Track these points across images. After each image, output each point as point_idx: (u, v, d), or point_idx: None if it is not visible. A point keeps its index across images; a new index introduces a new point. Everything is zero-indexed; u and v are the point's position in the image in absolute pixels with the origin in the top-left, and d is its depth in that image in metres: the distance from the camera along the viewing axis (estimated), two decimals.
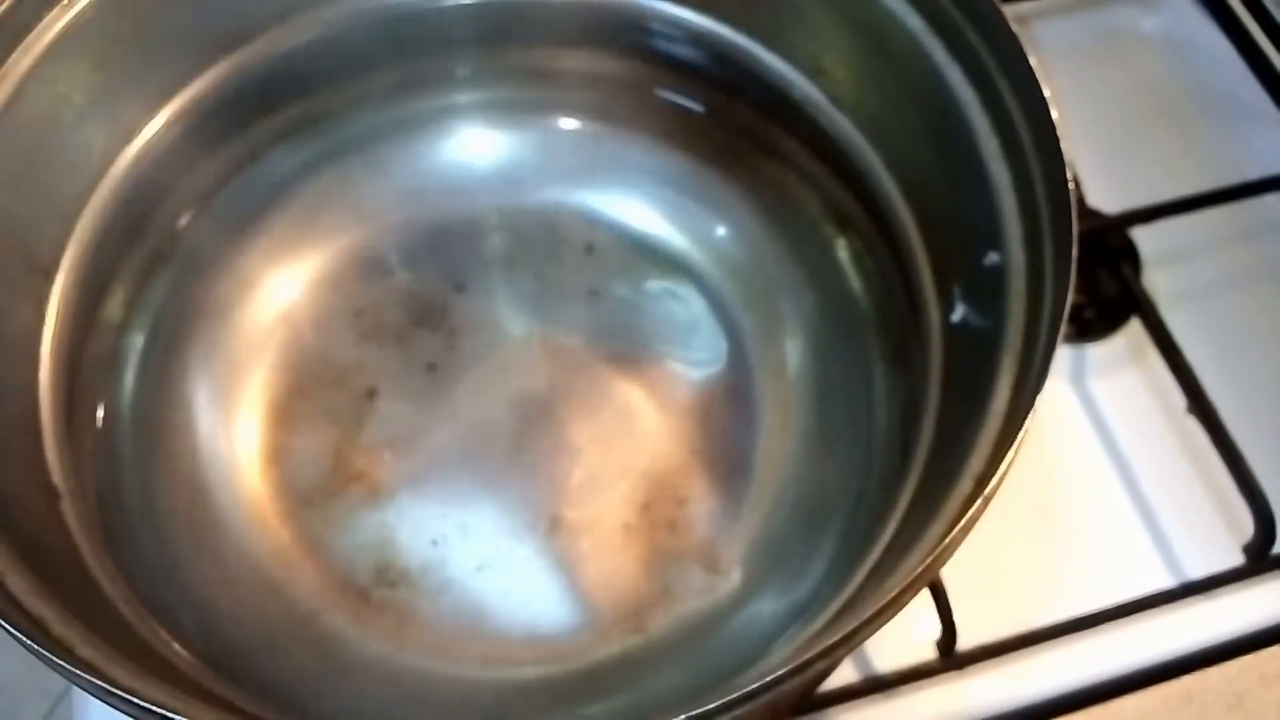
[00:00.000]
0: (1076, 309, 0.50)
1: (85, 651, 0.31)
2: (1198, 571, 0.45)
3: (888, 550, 0.37)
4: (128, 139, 0.43)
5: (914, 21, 0.41)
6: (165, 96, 0.44)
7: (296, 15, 0.46)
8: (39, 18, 0.39)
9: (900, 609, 0.30)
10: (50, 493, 0.38)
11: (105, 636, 0.32)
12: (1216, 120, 0.56)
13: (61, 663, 0.30)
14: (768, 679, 0.29)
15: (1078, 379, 0.49)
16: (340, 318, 0.47)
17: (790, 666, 0.29)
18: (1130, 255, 0.51)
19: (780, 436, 0.45)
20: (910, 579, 0.30)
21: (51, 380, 0.40)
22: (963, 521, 0.31)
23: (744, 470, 0.45)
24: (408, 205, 0.49)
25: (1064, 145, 0.36)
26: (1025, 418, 0.32)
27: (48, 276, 0.41)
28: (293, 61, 0.46)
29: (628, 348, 0.47)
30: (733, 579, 0.43)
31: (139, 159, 0.43)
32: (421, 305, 0.48)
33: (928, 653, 0.43)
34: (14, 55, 0.39)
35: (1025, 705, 0.42)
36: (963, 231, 0.40)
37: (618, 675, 0.41)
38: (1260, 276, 0.52)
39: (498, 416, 0.46)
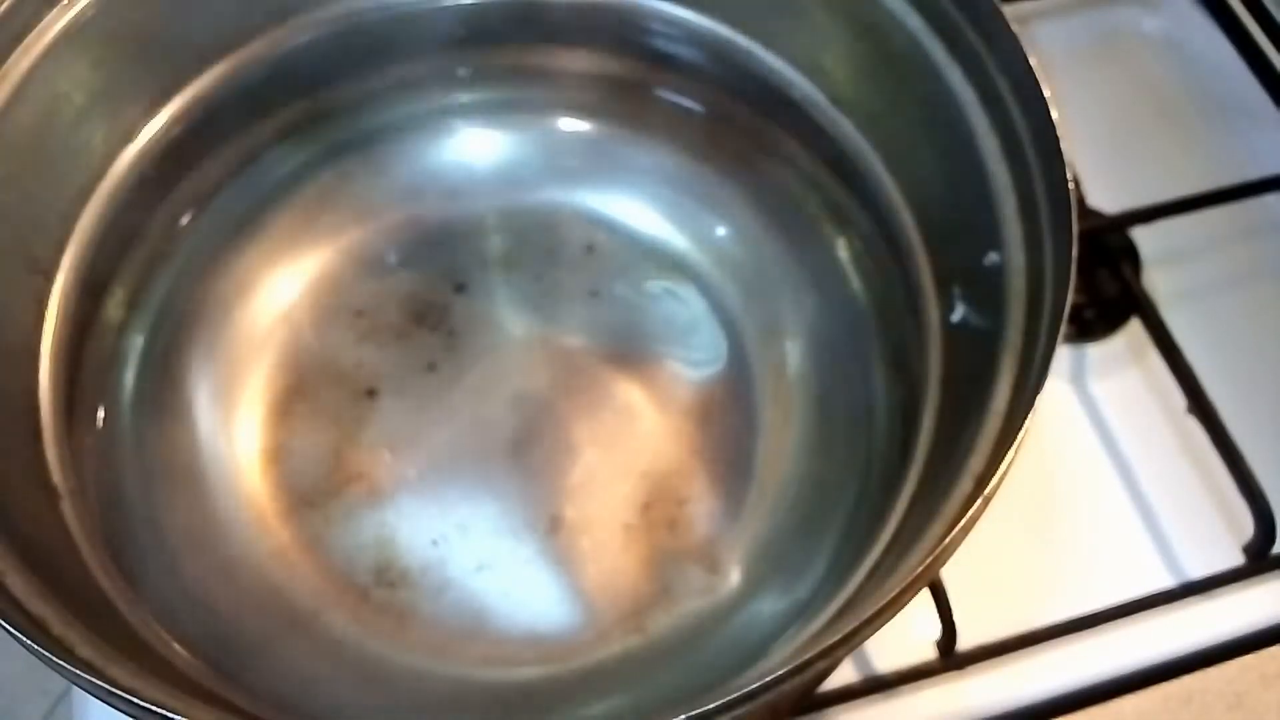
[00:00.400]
0: (1076, 309, 0.50)
1: (85, 651, 0.31)
2: (1198, 571, 0.45)
3: (888, 550, 0.37)
4: (128, 139, 0.43)
5: (914, 21, 0.41)
6: (165, 96, 0.44)
7: (296, 15, 0.46)
8: (39, 18, 0.39)
9: (900, 609, 0.30)
10: (50, 493, 0.38)
11: (105, 636, 0.32)
12: (1216, 120, 0.56)
13: (61, 663, 0.30)
14: (768, 679, 0.29)
15: (1078, 379, 0.49)
16: (340, 318, 0.47)
17: (790, 666, 0.29)
18: (1130, 255, 0.51)
19: (780, 436, 0.45)
20: (910, 579, 0.30)
21: (51, 380, 0.40)
22: (963, 521, 0.31)
23: (744, 470, 0.45)
24: (408, 205, 0.49)
25: (1064, 145, 0.36)
26: (1025, 418, 0.32)
27: (48, 276, 0.41)
28: (292, 61, 0.46)
29: (628, 348, 0.47)
30: (733, 579, 0.43)
31: (139, 159, 0.43)
32: (421, 305, 0.48)
33: (928, 653, 0.43)
34: (14, 55, 0.39)
35: (1025, 705, 0.42)
36: (963, 231, 0.40)
37: (618, 675, 0.41)
38: (1260, 276, 0.52)
39: (498, 416, 0.46)
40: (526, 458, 0.45)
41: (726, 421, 0.46)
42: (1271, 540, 0.44)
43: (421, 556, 0.43)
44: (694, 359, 0.47)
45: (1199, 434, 0.46)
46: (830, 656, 0.30)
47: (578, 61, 0.49)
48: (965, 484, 0.33)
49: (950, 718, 0.42)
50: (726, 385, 0.46)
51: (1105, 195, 0.52)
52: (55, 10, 0.40)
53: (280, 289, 0.47)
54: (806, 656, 0.29)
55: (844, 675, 0.42)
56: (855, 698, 0.42)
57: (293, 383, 0.46)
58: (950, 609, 0.42)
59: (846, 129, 0.44)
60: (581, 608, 0.43)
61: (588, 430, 0.45)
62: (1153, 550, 0.46)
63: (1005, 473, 0.32)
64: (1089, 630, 0.43)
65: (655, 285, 0.48)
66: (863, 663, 0.43)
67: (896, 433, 0.42)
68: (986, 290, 0.38)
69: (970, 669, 0.42)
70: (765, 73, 0.46)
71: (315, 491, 0.44)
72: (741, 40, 0.46)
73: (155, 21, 0.42)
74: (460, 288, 0.48)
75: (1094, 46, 0.58)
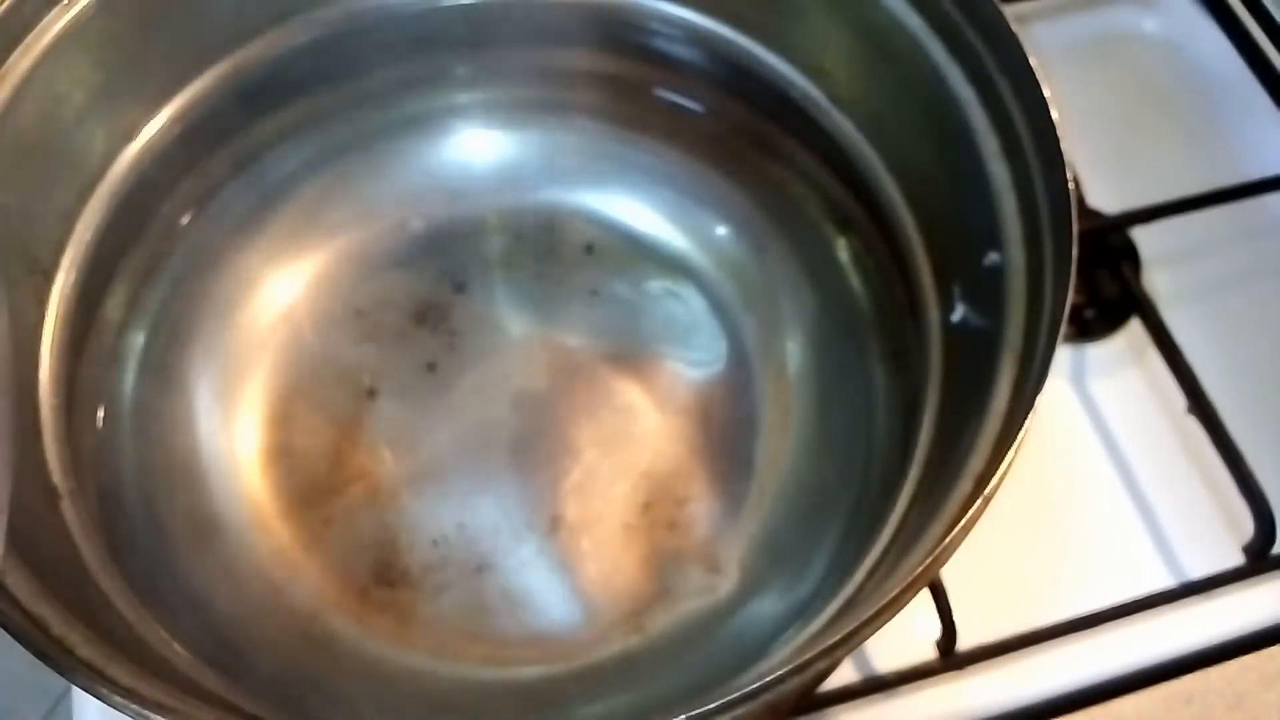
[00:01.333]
0: (1076, 309, 0.50)
1: (85, 651, 0.31)
2: (1198, 571, 0.45)
3: (888, 550, 0.37)
4: (128, 139, 0.43)
5: (914, 21, 0.41)
6: (165, 96, 0.44)
7: (295, 16, 0.45)
8: (39, 18, 0.39)
9: (900, 609, 0.30)
10: (50, 493, 0.38)
11: (105, 636, 0.32)
12: (1216, 120, 0.56)
13: (61, 663, 0.30)
14: (768, 679, 0.29)
15: (1078, 379, 0.49)
16: (340, 318, 0.47)
17: (790, 666, 0.29)
18: (1130, 255, 0.51)
19: (780, 436, 0.45)
20: (910, 579, 0.30)
21: (51, 380, 0.40)
22: (963, 521, 0.31)
23: (744, 470, 0.45)
24: (408, 205, 0.49)
25: (1064, 145, 0.36)
26: (1025, 418, 0.32)
27: (48, 277, 0.41)
28: (292, 61, 0.46)
29: (628, 348, 0.47)
30: (733, 579, 0.43)
31: (139, 159, 0.43)
32: (421, 305, 0.48)
33: (928, 653, 0.43)
34: (14, 55, 0.39)
35: (1025, 705, 0.42)
36: (963, 231, 0.40)
37: (618, 675, 0.41)
38: (1260, 276, 0.52)
39: (498, 416, 0.46)
40: (526, 458, 0.45)
41: (726, 421, 0.46)
42: (1271, 540, 0.44)
43: (421, 556, 0.43)
44: (694, 359, 0.47)
45: (1199, 434, 0.46)
46: (830, 656, 0.30)
47: (577, 61, 0.49)
48: (965, 484, 0.33)
49: (950, 718, 0.42)
50: (726, 385, 0.46)
51: (1105, 195, 0.52)
52: (55, 10, 0.40)
53: (280, 289, 0.47)
54: (806, 656, 0.29)
55: (844, 675, 0.42)
56: (855, 698, 0.42)
57: (293, 383, 0.46)
58: (950, 609, 0.42)
59: (846, 129, 0.44)
60: (581, 607, 0.43)
61: (588, 430, 0.45)
62: (1153, 550, 0.46)
63: (1005, 473, 0.32)
64: (1089, 630, 0.43)
65: (655, 285, 0.48)
66: (863, 663, 0.43)
67: (896, 433, 0.42)
68: (986, 290, 0.38)
69: (970, 669, 0.42)
70: (765, 73, 0.46)
71: (315, 491, 0.44)
72: (741, 40, 0.46)
73: (155, 22, 0.42)
74: (460, 288, 0.48)
75: (1094, 46, 0.58)
